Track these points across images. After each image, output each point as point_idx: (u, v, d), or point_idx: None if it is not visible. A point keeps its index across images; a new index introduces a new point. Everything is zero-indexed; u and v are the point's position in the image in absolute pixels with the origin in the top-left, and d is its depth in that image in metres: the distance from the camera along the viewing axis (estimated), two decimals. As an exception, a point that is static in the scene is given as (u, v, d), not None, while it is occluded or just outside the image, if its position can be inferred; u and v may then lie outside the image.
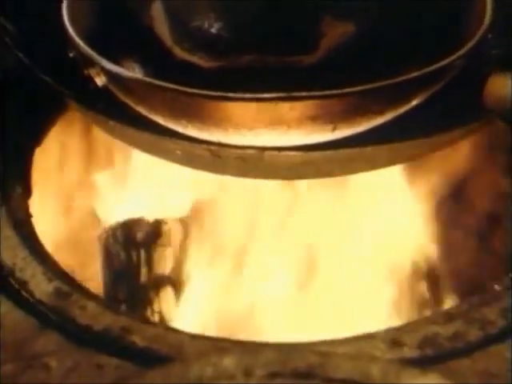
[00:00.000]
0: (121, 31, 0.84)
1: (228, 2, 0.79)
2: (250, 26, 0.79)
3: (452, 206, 0.90)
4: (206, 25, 0.80)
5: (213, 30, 0.79)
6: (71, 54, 0.83)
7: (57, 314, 0.78)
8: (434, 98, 0.80)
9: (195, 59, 0.81)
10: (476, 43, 0.80)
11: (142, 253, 0.93)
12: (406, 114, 0.79)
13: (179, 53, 0.82)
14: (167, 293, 0.91)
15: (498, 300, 0.78)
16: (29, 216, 0.85)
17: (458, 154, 0.85)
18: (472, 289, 0.83)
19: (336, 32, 0.80)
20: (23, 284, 0.80)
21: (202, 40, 0.80)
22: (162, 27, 0.83)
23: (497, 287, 0.79)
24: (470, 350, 0.75)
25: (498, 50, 0.85)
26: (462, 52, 0.79)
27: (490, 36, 0.82)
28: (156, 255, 0.94)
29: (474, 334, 0.76)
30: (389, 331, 0.76)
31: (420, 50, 0.81)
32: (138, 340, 0.76)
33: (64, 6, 0.82)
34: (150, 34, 0.83)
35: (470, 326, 0.76)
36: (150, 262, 0.93)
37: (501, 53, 0.85)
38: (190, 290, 0.93)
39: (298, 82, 0.77)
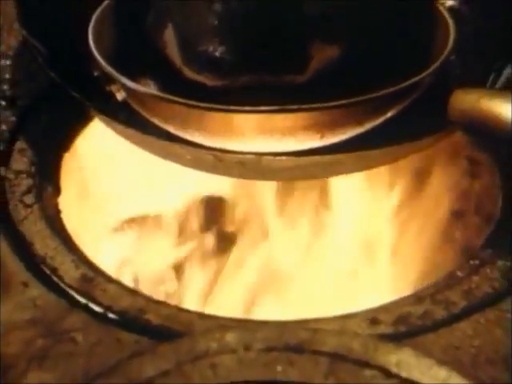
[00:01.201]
0: (138, 53, 0.84)
1: (229, 30, 0.78)
2: (249, 50, 0.78)
3: (420, 203, 0.89)
4: (211, 49, 0.79)
5: (217, 54, 0.79)
6: (95, 73, 0.82)
7: (83, 296, 0.77)
8: (406, 110, 0.79)
9: (201, 78, 0.80)
10: (441, 64, 0.80)
11: (150, 242, 0.92)
12: (383, 124, 0.79)
13: (188, 73, 0.81)
14: (173, 277, 0.90)
15: (460, 284, 0.77)
16: (58, 212, 0.85)
17: (427, 158, 0.85)
18: (437, 274, 0.82)
19: (323, 55, 0.80)
20: (54, 270, 0.79)
21: (207, 62, 0.80)
22: (173, 50, 0.82)
23: (458, 273, 0.79)
24: (436, 327, 0.74)
25: (460, 70, 0.84)
26: (429, 71, 0.79)
27: (452, 58, 0.82)
28: (162, 245, 0.93)
29: (440, 313, 0.75)
30: (368, 311, 0.75)
31: (394, 69, 0.80)
32: (152, 318, 0.75)
33: (90, 31, 0.82)
34: (163, 56, 0.83)
35: (436, 307, 0.76)
36: (157, 251, 0.93)
37: (462, 72, 0.84)
38: (193, 274, 0.92)
39: (290, 97, 0.77)
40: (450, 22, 0.83)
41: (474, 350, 0.72)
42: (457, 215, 0.87)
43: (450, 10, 0.86)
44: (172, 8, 0.82)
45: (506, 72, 0.83)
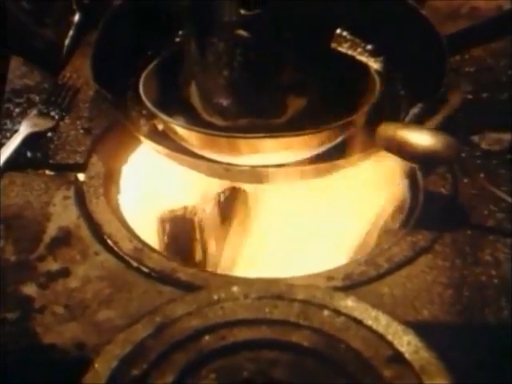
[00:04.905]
0: (172, 100, 0.80)
1: (233, 88, 0.75)
2: (246, 103, 0.76)
3: (358, 198, 0.84)
4: (220, 101, 0.75)
5: (224, 104, 0.75)
6: (143, 112, 0.80)
7: (135, 260, 0.73)
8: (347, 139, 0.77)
9: (214, 120, 0.77)
10: (371, 106, 0.77)
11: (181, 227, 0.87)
12: (336, 145, 0.76)
13: (205, 116, 0.78)
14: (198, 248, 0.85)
15: (384, 253, 0.73)
16: (118, 205, 0.81)
17: (362, 171, 0.80)
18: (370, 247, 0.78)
19: (296, 104, 0.77)
20: (115, 243, 0.75)
21: (218, 109, 0.76)
22: (196, 100, 0.79)
23: (384, 246, 0.74)
24: (369, 281, 0.71)
25: (383, 110, 0.80)
26: (364, 110, 0.77)
27: (378, 102, 0.78)
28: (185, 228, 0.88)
29: (372, 273, 0.71)
30: (326, 271, 0.72)
31: (340, 111, 0.76)
32: (182, 276, 0.71)
33: (140, 83, 0.79)
34: (189, 103, 0.79)
35: (370, 268, 0.72)
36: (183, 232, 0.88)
37: (384, 111, 0.80)
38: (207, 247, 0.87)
39: (273, 131, 0.74)
40: (377, 79, 0.80)
41: (393, 297, 0.69)
42: (380, 207, 0.82)
43: (377, 72, 0.83)
44: (195, 72, 0.78)
45: (412, 111, 0.79)
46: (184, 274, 0.72)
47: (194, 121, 0.78)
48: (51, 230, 0.76)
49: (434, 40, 0.81)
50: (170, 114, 0.77)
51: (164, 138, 0.78)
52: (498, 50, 0.95)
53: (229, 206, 0.86)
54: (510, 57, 0.94)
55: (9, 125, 0.87)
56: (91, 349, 0.64)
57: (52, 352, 0.65)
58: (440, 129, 0.76)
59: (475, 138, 0.84)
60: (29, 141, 0.84)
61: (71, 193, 0.80)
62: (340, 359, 0.56)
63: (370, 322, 0.58)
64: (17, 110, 0.89)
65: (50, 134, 0.86)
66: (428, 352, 0.56)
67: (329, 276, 0.71)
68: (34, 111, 0.88)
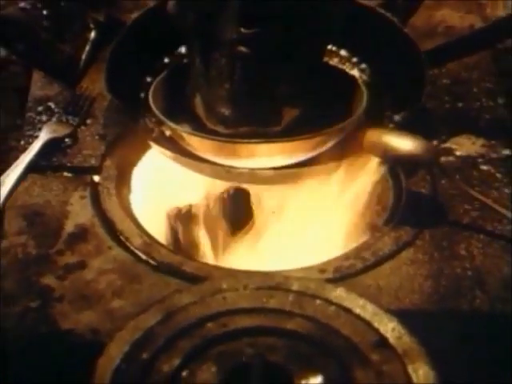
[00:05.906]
0: (179, 109, 0.78)
1: (234, 99, 0.74)
2: (246, 112, 0.74)
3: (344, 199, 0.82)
4: (222, 110, 0.74)
5: (226, 114, 0.74)
6: (153, 119, 0.78)
7: (144, 254, 0.72)
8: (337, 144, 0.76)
9: (217, 128, 0.75)
10: (358, 115, 0.76)
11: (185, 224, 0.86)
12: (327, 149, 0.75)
13: (209, 124, 0.76)
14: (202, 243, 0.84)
15: (370, 247, 0.72)
16: (129, 203, 0.80)
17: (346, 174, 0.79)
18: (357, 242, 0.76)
19: (291, 114, 0.75)
20: (127, 239, 0.73)
21: (220, 118, 0.75)
22: (200, 110, 0.77)
23: (370, 241, 0.73)
24: (357, 274, 0.70)
25: (372, 116, 0.79)
26: (353, 118, 0.76)
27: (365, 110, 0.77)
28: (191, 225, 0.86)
29: (359, 266, 0.70)
30: (318, 264, 0.71)
31: (332, 118, 0.75)
32: (187, 269, 0.70)
33: (150, 94, 0.78)
34: (194, 113, 0.78)
35: (357, 261, 0.71)
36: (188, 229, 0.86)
37: (373, 118, 0.79)
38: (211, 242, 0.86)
39: (270, 137, 0.74)
40: (364, 90, 0.79)
41: (378, 288, 0.68)
42: (367, 206, 0.80)
43: (364, 82, 0.82)
44: (199, 84, 0.76)
45: (395, 118, 0.79)
46: (189, 266, 0.70)
47: (199, 128, 0.77)
48: (69, 227, 0.75)
49: (415, 55, 0.81)
50: (176, 122, 0.76)
51: (171, 143, 0.77)
52: (471, 64, 0.95)
53: (230, 204, 0.85)
54: (481, 70, 0.95)
55: (31, 131, 0.86)
56: (105, 334, 0.63)
57: (69, 337, 0.64)
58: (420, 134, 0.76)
59: (451, 143, 0.84)
60: (49, 146, 0.84)
61: (87, 193, 0.79)
62: (331, 344, 0.56)
63: (358, 311, 0.58)
64: (38, 117, 0.88)
65: (67, 140, 0.85)
66: (410, 337, 0.55)
67: (321, 269, 0.70)
68: (54, 119, 0.87)
